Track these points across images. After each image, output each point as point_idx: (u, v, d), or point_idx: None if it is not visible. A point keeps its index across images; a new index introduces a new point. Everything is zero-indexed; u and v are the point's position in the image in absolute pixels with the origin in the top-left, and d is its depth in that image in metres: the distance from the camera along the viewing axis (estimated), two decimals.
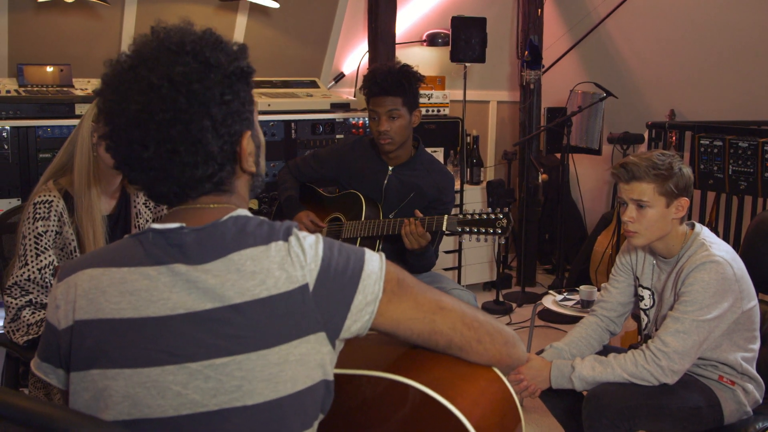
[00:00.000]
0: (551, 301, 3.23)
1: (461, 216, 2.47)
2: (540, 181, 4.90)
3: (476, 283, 4.94)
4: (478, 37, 4.37)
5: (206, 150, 1.09)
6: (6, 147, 2.92)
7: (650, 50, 4.77)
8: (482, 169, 4.93)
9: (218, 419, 1.06)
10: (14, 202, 2.93)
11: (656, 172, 2.10)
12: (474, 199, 4.78)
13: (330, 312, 1.10)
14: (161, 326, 1.06)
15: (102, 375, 1.07)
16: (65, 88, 3.20)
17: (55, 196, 2.10)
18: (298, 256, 1.09)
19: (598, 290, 3.14)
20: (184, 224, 1.11)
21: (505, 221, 2.40)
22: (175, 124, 1.07)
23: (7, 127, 2.93)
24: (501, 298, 4.71)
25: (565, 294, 3.27)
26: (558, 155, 5.11)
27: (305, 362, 1.08)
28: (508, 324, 4.19)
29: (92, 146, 2.11)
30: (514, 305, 4.69)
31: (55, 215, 2.08)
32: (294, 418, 1.10)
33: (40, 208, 2.07)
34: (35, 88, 3.14)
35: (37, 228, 2.06)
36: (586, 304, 3.10)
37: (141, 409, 1.06)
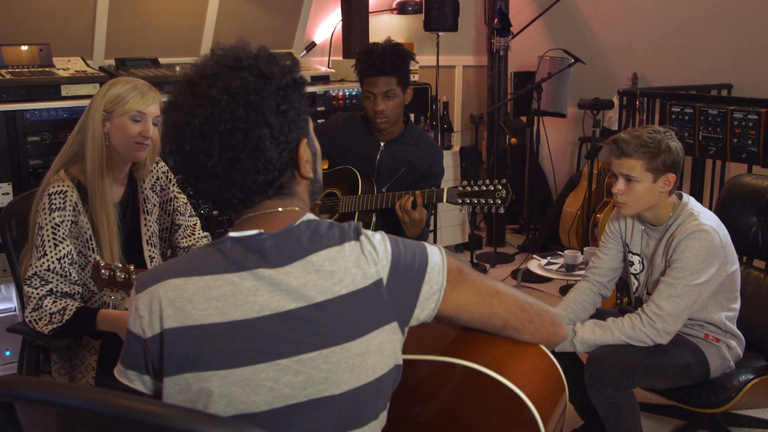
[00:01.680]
0: (536, 265, 3.38)
1: (461, 188, 2.55)
2: (508, 144, 5.03)
3: (449, 245, 5.04)
4: (450, 6, 4.41)
5: (266, 156, 1.17)
6: None
7: (614, 16, 4.90)
8: (452, 134, 5.02)
9: (309, 409, 1.15)
10: (5, 187, 2.90)
11: (645, 150, 2.23)
12: (446, 164, 4.82)
13: (401, 303, 1.20)
14: (250, 328, 1.13)
15: (196, 378, 1.13)
16: (47, 69, 3.15)
17: (68, 186, 2.11)
18: (371, 254, 1.19)
19: (581, 253, 3.31)
20: (262, 230, 1.19)
21: (504, 192, 2.48)
22: (235, 133, 1.15)
23: None
24: (475, 260, 4.87)
25: (549, 258, 3.42)
26: (524, 119, 5.23)
27: (382, 351, 1.19)
28: None
29: (104, 135, 2.13)
30: (487, 266, 4.85)
31: (70, 205, 2.10)
32: (375, 402, 1.21)
33: (55, 199, 2.09)
34: (17, 70, 3.08)
35: (54, 219, 2.08)
36: (570, 268, 3.26)
37: (236, 406, 1.13)
